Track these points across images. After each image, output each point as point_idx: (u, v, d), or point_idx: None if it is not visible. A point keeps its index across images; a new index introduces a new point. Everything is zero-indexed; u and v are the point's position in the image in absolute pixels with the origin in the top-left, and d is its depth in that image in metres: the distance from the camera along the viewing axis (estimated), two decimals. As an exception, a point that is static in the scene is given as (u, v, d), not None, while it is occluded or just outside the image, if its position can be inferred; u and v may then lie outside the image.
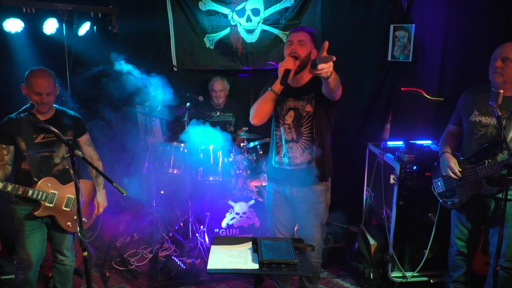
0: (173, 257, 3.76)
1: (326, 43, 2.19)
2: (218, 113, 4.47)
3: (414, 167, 3.27)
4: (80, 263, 3.48)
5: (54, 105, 2.76)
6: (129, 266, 3.75)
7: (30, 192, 2.57)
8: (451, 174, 2.78)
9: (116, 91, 3.77)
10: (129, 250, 4.04)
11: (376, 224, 3.77)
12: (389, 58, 4.38)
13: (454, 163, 2.78)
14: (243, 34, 4.51)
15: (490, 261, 2.81)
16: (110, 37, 3.94)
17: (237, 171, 3.97)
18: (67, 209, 2.75)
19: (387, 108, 4.60)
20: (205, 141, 3.90)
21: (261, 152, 4.09)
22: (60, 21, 3.69)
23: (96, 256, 3.80)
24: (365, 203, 4.06)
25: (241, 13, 4.45)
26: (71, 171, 2.10)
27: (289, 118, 2.69)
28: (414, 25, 4.13)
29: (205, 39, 4.53)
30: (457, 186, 2.81)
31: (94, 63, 3.89)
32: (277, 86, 2.53)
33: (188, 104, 3.99)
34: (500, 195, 2.57)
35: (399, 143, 3.61)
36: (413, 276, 3.41)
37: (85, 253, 2.16)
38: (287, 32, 4.27)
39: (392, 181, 3.37)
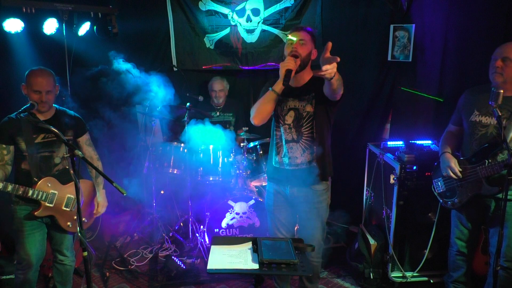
0: (173, 257, 3.76)
1: (330, 44, 2.18)
2: (217, 113, 4.47)
3: (414, 167, 3.27)
4: (80, 263, 3.48)
5: (54, 105, 2.76)
6: (129, 266, 3.75)
7: (30, 192, 2.57)
8: (452, 174, 2.77)
9: (116, 91, 3.77)
10: (129, 250, 4.04)
11: (376, 224, 3.77)
12: (389, 58, 4.38)
13: (454, 163, 2.78)
14: (243, 34, 4.51)
15: (490, 261, 2.81)
16: (110, 37, 3.94)
17: (237, 171, 3.97)
18: (67, 209, 2.75)
19: (387, 108, 4.60)
20: (207, 140, 3.89)
21: (261, 152, 4.09)
22: (60, 21, 3.69)
23: (96, 256, 3.80)
24: (365, 203, 4.06)
25: (241, 13, 4.45)
26: (71, 171, 2.09)
27: (289, 118, 2.69)
28: (414, 25, 4.13)
29: (205, 39, 4.53)
30: (457, 186, 2.81)
31: (94, 63, 3.89)
32: (278, 86, 2.53)
33: (188, 104, 3.99)
34: (500, 195, 2.57)
35: (399, 143, 3.61)
36: (413, 276, 3.41)
37: (85, 253, 2.15)
38: (287, 32, 4.27)
39: (392, 181, 3.37)
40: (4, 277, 3.30)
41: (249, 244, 2.23)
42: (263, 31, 4.50)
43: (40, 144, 2.65)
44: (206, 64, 4.59)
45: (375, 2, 4.31)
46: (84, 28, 3.89)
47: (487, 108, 2.64)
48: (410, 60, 4.21)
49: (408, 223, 3.35)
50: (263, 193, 3.97)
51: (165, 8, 4.41)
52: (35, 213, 2.64)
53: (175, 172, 4.01)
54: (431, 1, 3.98)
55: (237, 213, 3.80)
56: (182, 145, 3.99)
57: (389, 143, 3.67)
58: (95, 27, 3.96)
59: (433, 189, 3.04)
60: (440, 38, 3.87)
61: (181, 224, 4.26)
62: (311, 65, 2.71)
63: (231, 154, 3.98)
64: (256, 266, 2.02)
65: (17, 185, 2.54)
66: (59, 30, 3.72)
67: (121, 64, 3.73)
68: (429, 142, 3.54)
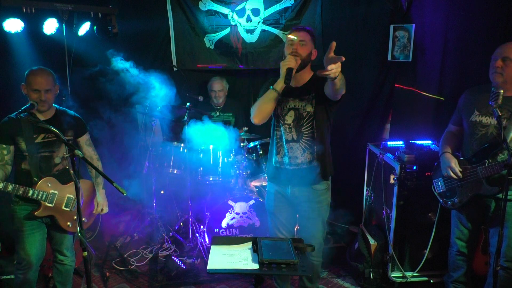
0: (173, 257, 3.76)
1: (334, 44, 2.18)
2: (217, 113, 4.47)
3: (414, 167, 3.27)
4: (80, 263, 3.47)
5: (54, 105, 2.76)
6: (129, 266, 3.75)
7: (31, 192, 2.57)
8: (452, 174, 2.77)
9: (116, 90, 3.77)
10: (129, 250, 4.04)
11: (376, 224, 3.77)
12: (389, 58, 4.38)
13: (454, 163, 2.78)
14: (243, 34, 4.51)
15: (490, 261, 2.81)
16: (110, 37, 3.94)
17: (237, 171, 3.97)
18: (67, 209, 2.75)
19: (387, 108, 4.60)
20: (209, 139, 3.88)
21: (261, 152, 4.09)
22: (60, 21, 3.69)
23: (96, 256, 3.80)
24: (365, 203, 4.06)
25: (241, 13, 4.45)
26: (71, 171, 2.09)
27: (290, 118, 2.69)
28: (414, 25, 4.13)
29: (205, 39, 4.53)
30: (457, 186, 2.81)
31: (94, 63, 3.89)
32: (279, 85, 2.53)
33: (188, 104, 3.99)
34: (500, 195, 2.57)
35: (399, 143, 3.61)
36: (413, 276, 3.40)
37: (85, 253, 2.15)
38: (287, 32, 4.27)
39: (392, 181, 3.37)
40: (4, 277, 3.30)
41: (249, 244, 2.23)
42: (263, 31, 4.50)
43: (40, 144, 2.65)
44: (205, 63, 4.58)
45: (375, 2, 4.31)
46: (84, 28, 3.89)
47: (487, 108, 2.64)
48: (410, 60, 4.21)
49: (408, 223, 3.35)
50: (263, 193, 3.97)
51: (165, 8, 4.41)
52: (35, 213, 2.64)
53: (175, 172, 4.01)
54: (431, 1, 3.98)
55: (237, 213, 3.80)
56: (182, 145, 3.99)
57: (389, 143, 3.67)
58: (95, 27, 3.96)
59: (433, 189, 3.04)
60: (440, 38, 3.87)
61: (181, 224, 4.26)
62: (310, 65, 2.71)
63: (231, 154, 3.97)
64: (256, 266, 2.02)
65: (17, 185, 2.54)
66: (59, 30, 3.72)
67: (120, 63, 3.73)
68: (429, 142, 3.54)
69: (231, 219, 3.81)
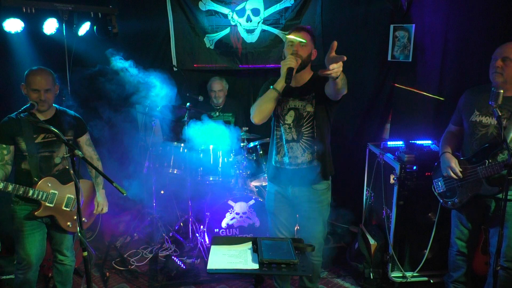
0: (173, 257, 3.76)
1: (335, 43, 2.18)
2: (217, 113, 4.47)
3: (414, 167, 3.27)
4: (80, 263, 3.47)
5: (54, 105, 2.76)
6: (129, 266, 3.75)
7: (31, 192, 2.57)
8: (452, 174, 2.77)
9: (116, 90, 3.77)
10: (129, 250, 4.04)
11: (376, 224, 3.77)
12: (389, 58, 4.38)
13: (455, 163, 2.78)
14: (243, 34, 4.51)
15: (490, 261, 2.81)
16: (110, 37, 3.94)
17: (237, 171, 3.97)
18: (67, 209, 2.75)
19: (387, 108, 4.60)
20: (211, 139, 3.88)
21: (261, 152, 4.09)
22: (60, 21, 3.69)
23: (96, 256, 3.80)
24: (365, 203, 4.06)
25: (241, 13, 4.45)
26: (71, 171, 2.10)
27: (290, 118, 2.69)
28: (414, 25, 4.13)
29: (205, 39, 4.53)
30: (457, 186, 2.81)
31: (94, 63, 3.89)
32: (279, 85, 2.53)
33: (188, 104, 3.99)
34: (500, 195, 2.57)
35: (399, 143, 3.61)
36: (413, 276, 3.41)
37: (85, 253, 2.16)
38: (287, 32, 4.28)
39: (392, 181, 3.37)
40: (4, 277, 3.30)
41: (249, 244, 2.23)
42: (263, 31, 4.50)
43: (40, 144, 2.65)
44: (205, 63, 4.58)
45: (375, 2, 4.31)
46: (84, 28, 3.89)
47: (488, 108, 2.64)
48: (410, 60, 4.21)
49: (408, 223, 3.35)
50: (263, 193, 3.97)
51: (165, 8, 4.41)
52: (35, 213, 2.64)
53: (175, 172, 4.01)
54: (431, 1, 3.98)
55: (237, 213, 3.80)
56: (182, 145, 3.99)
57: (389, 143, 3.67)
58: (95, 27, 3.96)
59: (433, 189, 3.04)
60: (440, 38, 3.87)
61: (181, 224, 4.26)
62: (310, 65, 2.71)
63: (231, 154, 3.97)
64: (256, 266, 2.02)
65: (17, 185, 2.54)
66: (59, 30, 3.72)
67: (120, 63, 3.73)
68: (429, 142, 3.54)
69: (231, 219, 3.81)
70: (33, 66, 2.68)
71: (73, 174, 2.09)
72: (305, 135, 2.67)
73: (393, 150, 3.54)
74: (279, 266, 2.01)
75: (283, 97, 2.66)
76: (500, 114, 2.42)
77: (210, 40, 4.53)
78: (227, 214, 3.79)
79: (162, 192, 4.33)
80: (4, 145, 2.62)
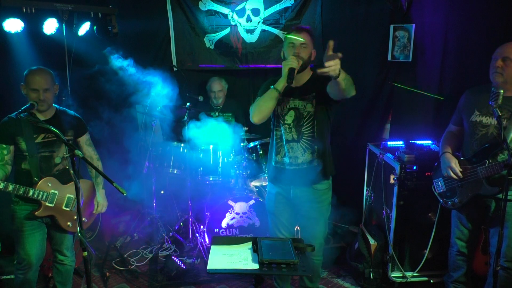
0: (173, 257, 3.76)
1: (331, 42, 2.18)
2: (217, 113, 4.47)
3: (414, 167, 3.27)
4: (80, 263, 3.47)
5: (54, 105, 2.76)
6: (129, 266, 3.75)
7: (31, 192, 2.57)
8: (452, 174, 2.77)
9: (116, 90, 3.77)
10: (129, 250, 4.04)
11: (376, 224, 3.77)
12: (389, 58, 4.38)
13: (455, 164, 2.78)
14: (243, 34, 4.50)
15: (490, 261, 2.81)
16: (110, 37, 3.94)
17: (237, 171, 3.97)
18: (67, 209, 2.75)
19: (387, 108, 4.59)
20: (208, 139, 3.88)
21: (261, 152, 4.08)
22: (60, 21, 3.68)
23: (96, 256, 3.80)
24: (365, 203, 4.06)
25: (241, 13, 4.44)
26: (71, 171, 2.09)
27: (290, 118, 2.69)
28: (414, 25, 4.13)
29: (205, 39, 4.52)
30: (457, 186, 2.81)
31: (94, 63, 3.89)
32: (280, 85, 2.53)
33: (188, 104, 3.99)
34: (500, 196, 2.57)
35: (399, 143, 3.61)
36: (413, 276, 3.40)
37: (85, 253, 2.15)
38: (286, 32, 4.28)
39: (392, 181, 3.37)
40: (4, 277, 3.30)
41: (249, 244, 2.23)
42: (263, 31, 4.50)
43: (40, 144, 2.65)
44: (205, 63, 4.58)
45: (375, 2, 4.31)
46: (84, 28, 3.89)
47: (488, 108, 2.64)
48: (410, 60, 4.21)
49: (408, 223, 3.35)
50: (263, 193, 3.97)
51: (165, 8, 4.41)
52: (36, 213, 2.64)
53: (175, 172, 4.01)
54: (431, 1, 3.98)
55: (237, 213, 3.80)
56: (182, 145, 3.99)
57: (389, 143, 3.67)
58: (95, 27, 3.96)
59: (433, 189, 3.04)
60: (440, 38, 3.87)
61: (181, 224, 4.26)
62: (316, 65, 2.70)
63: (231, 154, 3.97)
64: (256, 266, 2.02)
65: (17, 185, 2.54)
66: (59, 30, 3.72)
67: (119, 62, 3.73)
68: (429, 142, 3.54)
69: (231, 219, 3.81)
70: (33, 66, 2.68)
71: (73, 174, 2.09)
72: (306, 135, 2.67)
73: (393, 150, 3.54)
74: (279, 266, 2.01)
75: (283, 97, 2.66)
76: (500, 114, 2.42)
77: (210, 40, 4.53)
78: (227, 214, 3.79)
79: (162, 192, 4.33)
80: (4, 145, 2.62)
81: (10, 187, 2.51)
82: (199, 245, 3.76)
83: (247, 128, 3.99)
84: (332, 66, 2.15)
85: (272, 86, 2.57)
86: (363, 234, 3.68)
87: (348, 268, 3.71)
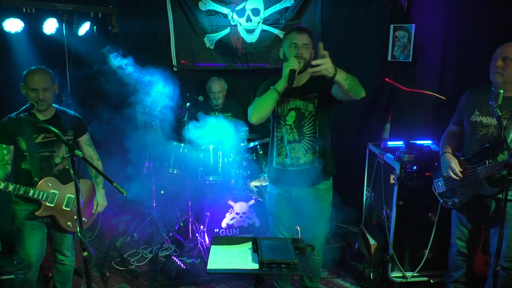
0: (173, 257, 3.76)
1: (320, 44, 2.24)
2: (216, 113, 4.47)
3: (414, 167, 3.27)
4: (80, 263, 3.47)
5: (54, 105, 2.76)
6: (129, 266, 3.75)
7: (31, 192, 2.57)
8: (452, 174, 2.77)
9: (116, 90, 3.77)
10: (129, 250, 4.04)
11: (376, 224, 3.77)
12: (389, 58, 4.38)
13: (455, 164, 2.78)
14: (243, 34, 4.50)
15: (490, 261, 2.81)
16: (110, 37, 3.93)
17: (237, 171, 3.97)
18: (68, 209, 2.75)
19: (387, 108, 4.60)
20: (208, 139, 3.87)
21: (261, 152, 4.08)
22: (60, 21, 3.68)
23: (96, 256, 3.80)
24: (365, 203, 4.06)
25: (241, 13, 4.44)
26: (71, 171, 2.09)
27: (291, 118, 2.69)
28: (414, 25, 4.13)
29: (205, 39, 4.52)
30: (457, 186, 2.81)
31: (94, 63, 3.89)
32: (280, 86, 2.53)
33: (188, 104, 3.99)
34: (500, 196, 2.56)
35: (399, 143, 3.61)
36: (413, 276, 3.40)
37: (85, 253, 2.16)
38: (286, 32, 4.28)
39: (392, 181, 3.37)
40: (4, 277, 3.30)
41: (249, 244, 2.23)
42: (263, 31, 4.50)
43: (40, 144, 2.65)
44: (205, 63, 4.58)
45: (375, 2, 4.31)
46: (84, 28, 3.88)
47: (488, 108, 2.64)
48: (410, 60, 4.21)
49: (408, 223, 3.35)
50: (263, 193, 3.97)
51: (165, 8, 4.41)
52: (36, 213, 2.64)
53: (175, 172, 4.01)
54: (431, 1, 3.98)
55: (237, 213, 3.80)
56: (182, 145, 3.99)
57: (389, 143, 3.67)
58: (95, 27, 3.96)
59: (433, 189, 3.04)
60: (440, 38, 3.87)
61: (181, 224, 4.26)
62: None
63: (231, 154, 3.97)
64: (256, 266, 2.02)
65: (18, 185, 2.54)
66: (59, 30, 3.72)
67: (116, 60, 3.73)
68: (429, 142, 3.54)
69: (231, 219, 3.80)
70: (33, 66, 2.68)
71: (73, 174, 2.09)
72: (307, 135, 2.67)
73: (393, 150, 3.54)
74: (279, 266, 2.01)
75: (283, 97, 2.66)
76: (500, 114, 2.42)
77: (210, 40, 4.53)
78: (227, 214, 3.79)
79: (162, 192, 4.33)
80: (4, 145, 2.62)
81: (11, 187, 2.51)
82: (199, 245, 3.76)
83: (247, 128, 3.98)
84: (320, 64, 2.15)
85: (271, 87, 2.56)
86: (363, 234, 3.68)
87: (348, 268, 3.71)
